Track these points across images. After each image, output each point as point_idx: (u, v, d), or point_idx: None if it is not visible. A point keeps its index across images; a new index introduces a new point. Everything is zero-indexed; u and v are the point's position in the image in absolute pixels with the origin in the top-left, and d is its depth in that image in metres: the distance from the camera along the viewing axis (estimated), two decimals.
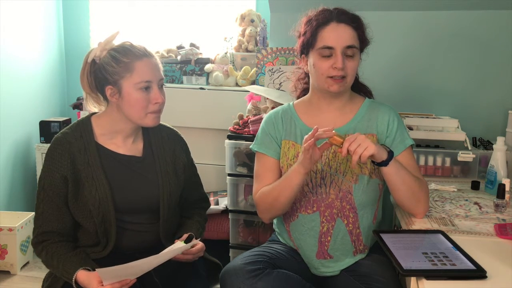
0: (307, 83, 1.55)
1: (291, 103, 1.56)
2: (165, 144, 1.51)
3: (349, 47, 1.37)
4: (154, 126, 1.42)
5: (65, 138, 1.38)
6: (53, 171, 1.36)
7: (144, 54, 1.37)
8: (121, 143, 1.44)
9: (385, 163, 1.31)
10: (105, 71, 1.35)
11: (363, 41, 1.43)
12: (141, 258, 1.40)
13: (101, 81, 1.37)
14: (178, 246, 1.34)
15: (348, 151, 1.26)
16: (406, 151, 1.44)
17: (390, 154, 1.31)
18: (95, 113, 1.47)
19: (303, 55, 1.48)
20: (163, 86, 1.43)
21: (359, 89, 1.57)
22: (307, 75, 1.55)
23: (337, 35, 1.37)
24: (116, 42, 1.40)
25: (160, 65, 1.42)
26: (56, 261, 1.33)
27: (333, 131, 1.28)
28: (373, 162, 1.34)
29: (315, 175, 1.43)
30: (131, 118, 1.39)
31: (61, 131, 1.42)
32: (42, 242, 1.37)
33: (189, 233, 1.42)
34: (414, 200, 1.39)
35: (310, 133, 1.29)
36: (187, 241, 1.38)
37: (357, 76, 1.55)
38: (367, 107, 1.49)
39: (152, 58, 1.39)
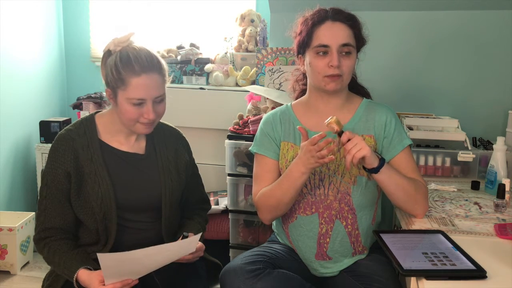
0: (305, 84, 1.55)
1: (289, 104, 1.56)
2: (167, 143, 1.51)
3: (344, 45, 1.37)
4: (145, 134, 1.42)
5: (69, 135, 1.39)
6: (56, 167, 1.36)
7: (144, 70, 1.31)
8: (124, 140, 1.44)
9: (375, 170, 1.31)
10: (106, 74, 1.36)
11: (359, 40, 1.43)
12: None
13: (105, 80, 1.38)
14: (181, 245, 1.32)
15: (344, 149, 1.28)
16: (404, 151, 1.44)
17: (381, 162, 1.31)
18: (98, 111, 1.49)
19: (299, 55, 1.48)
20: (164, 100, 1.38)
21: (357, 90, 1.57)
22: (305, 76, 1.55)
23: (332, 34, 1.37)
24: (135, 41, 1.38)
25: (165, 79, 1.37)
26: (58, 259, 1.34)
27: (334, 117, 1.29)
28: (364, 168, 1.34)
29: (314, 176, 1.43)
30: (122, 123, 1.39)
31: (64, 128, 1.43)
32: (44, 238, 1.38)
33: (183, 234, 1.40)
34: (411, 202, 1.39)
35: (318, 140, 1.28)
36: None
37: (354, 77, 1.55)
38: (364, 107, 1.49)
39: (153, 74, 1.33)
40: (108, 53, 1.38)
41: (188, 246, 1.33)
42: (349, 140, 1.27)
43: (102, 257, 1.18)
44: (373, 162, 1.30)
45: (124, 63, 1.32)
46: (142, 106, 1.34)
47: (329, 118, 1.29)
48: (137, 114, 1.34)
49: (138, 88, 1.32)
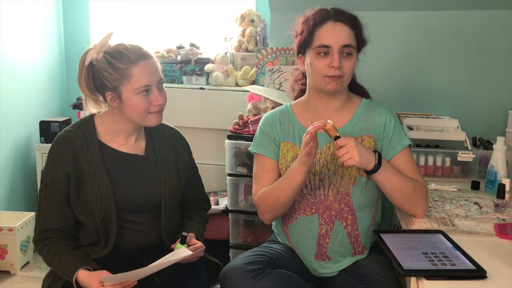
0: (305, 84, 1.55)
1: (288, 104, 1.56)
2: (167, 143, 1.51)
3: (346, 46, 1.37)
4: (156, 125, 1.43)
5: (68, 136, 1.39)
6: (55, 168, 1.36)
7: (139, 57, 1.35)
8: (124, 141, 1.44)
9: (372, 171, 1.31)
10: (103, 77, 1.35)
11: (360, 41, 1.43)
12: (142, 258, 1.41)
13: (101, 86, 1.38)
14: (180, 253, 1.33)
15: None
16: (404, 151, 1.44)
17: (376, 167, 1.31)
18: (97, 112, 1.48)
19: (300, 55, 1.48)
20: (163, 85, 1.42)
21: (357, 90, 1.57)
22: (304, 76, 1.55)
23: (334, 34, 1.37)
24: (113, 42, 1.38)
25: (158, 64, 1.41)
26: (57, 260, 1.34)
27: (330, 122, 1.28)
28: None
29: (314, 177, 1.43)
30: (133, 120, 1.40)
31: (64, 129, 1.42)
32: (44, 240, 1.38)
33: (182, 234, 1.40)
34: (410, 203, 1.39)
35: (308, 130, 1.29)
36: (182, 242, 1.38)
37: (354, 77, 1.55)
38: (364, 108, 1.49)
39: (149, 59, 1.37)
40: (91, 65, 1.37)
41: (183, 254, 1.34)
42: (342, 149, 1.27)
43: (106, 279, 1.22)
44: (366, 166, 1.30)
45: (118, 58, 1.33)
46: (149, 94, 1.36)
47: (326, 123, 1.29)
48: (146, 104, 1.36)
49: (141, 76, 1.34)
